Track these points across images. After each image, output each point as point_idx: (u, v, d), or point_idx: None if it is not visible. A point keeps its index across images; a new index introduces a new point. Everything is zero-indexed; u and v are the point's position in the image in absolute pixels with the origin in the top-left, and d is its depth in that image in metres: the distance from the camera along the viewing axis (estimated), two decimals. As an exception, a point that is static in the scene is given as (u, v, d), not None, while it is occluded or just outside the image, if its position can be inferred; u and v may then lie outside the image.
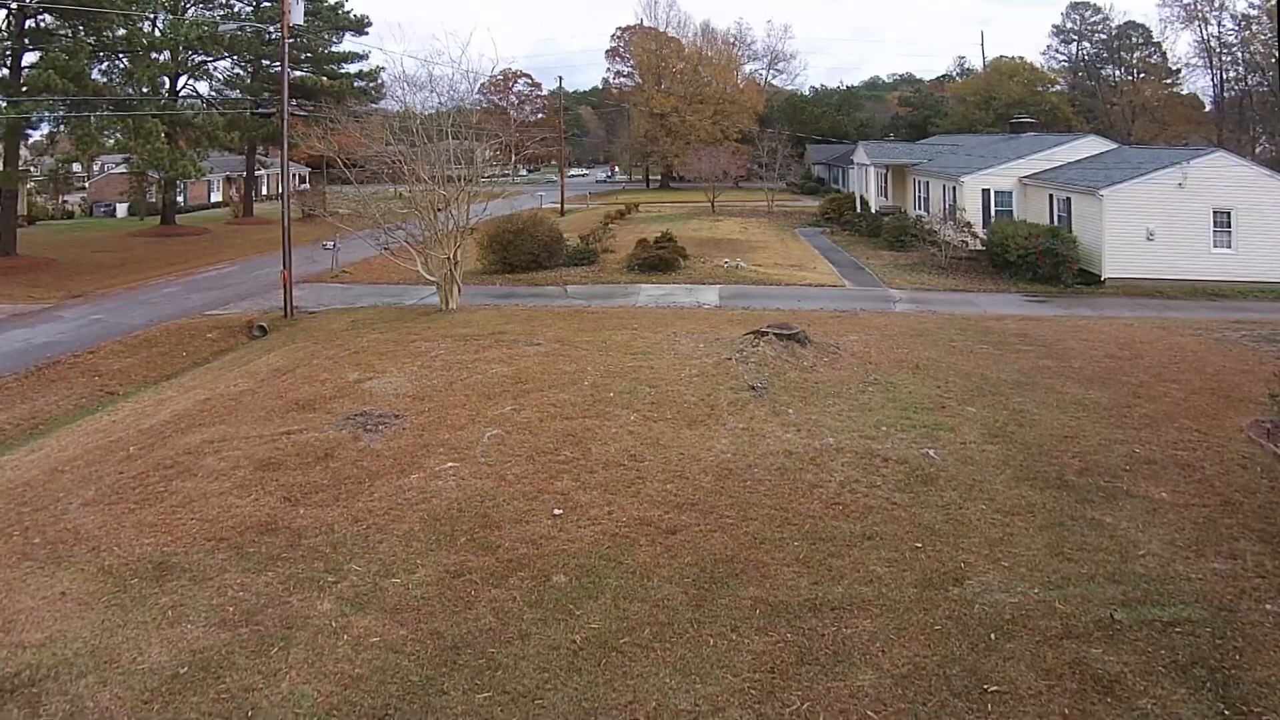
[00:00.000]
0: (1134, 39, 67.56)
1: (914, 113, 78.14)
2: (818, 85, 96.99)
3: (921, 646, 7.73)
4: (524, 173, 69.73)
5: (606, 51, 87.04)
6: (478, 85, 28.49)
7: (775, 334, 19.29)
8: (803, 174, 67.46)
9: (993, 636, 7.87)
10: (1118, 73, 69.76)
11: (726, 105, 74.26)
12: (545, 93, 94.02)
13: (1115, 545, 9.61)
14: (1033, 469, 11.98)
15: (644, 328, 22.43)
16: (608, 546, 9.79)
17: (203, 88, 51.47)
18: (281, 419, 14.97)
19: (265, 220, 57.36)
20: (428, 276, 25.99)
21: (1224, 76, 61.34)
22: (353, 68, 59.10)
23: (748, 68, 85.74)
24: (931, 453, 12.65)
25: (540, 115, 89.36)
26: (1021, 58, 72.20)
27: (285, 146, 30.52)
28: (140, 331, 26.60)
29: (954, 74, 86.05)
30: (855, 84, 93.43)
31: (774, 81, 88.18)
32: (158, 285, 35.20)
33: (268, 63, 55.38)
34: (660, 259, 30.82)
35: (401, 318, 25.13)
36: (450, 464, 12.55)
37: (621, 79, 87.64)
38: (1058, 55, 73.59)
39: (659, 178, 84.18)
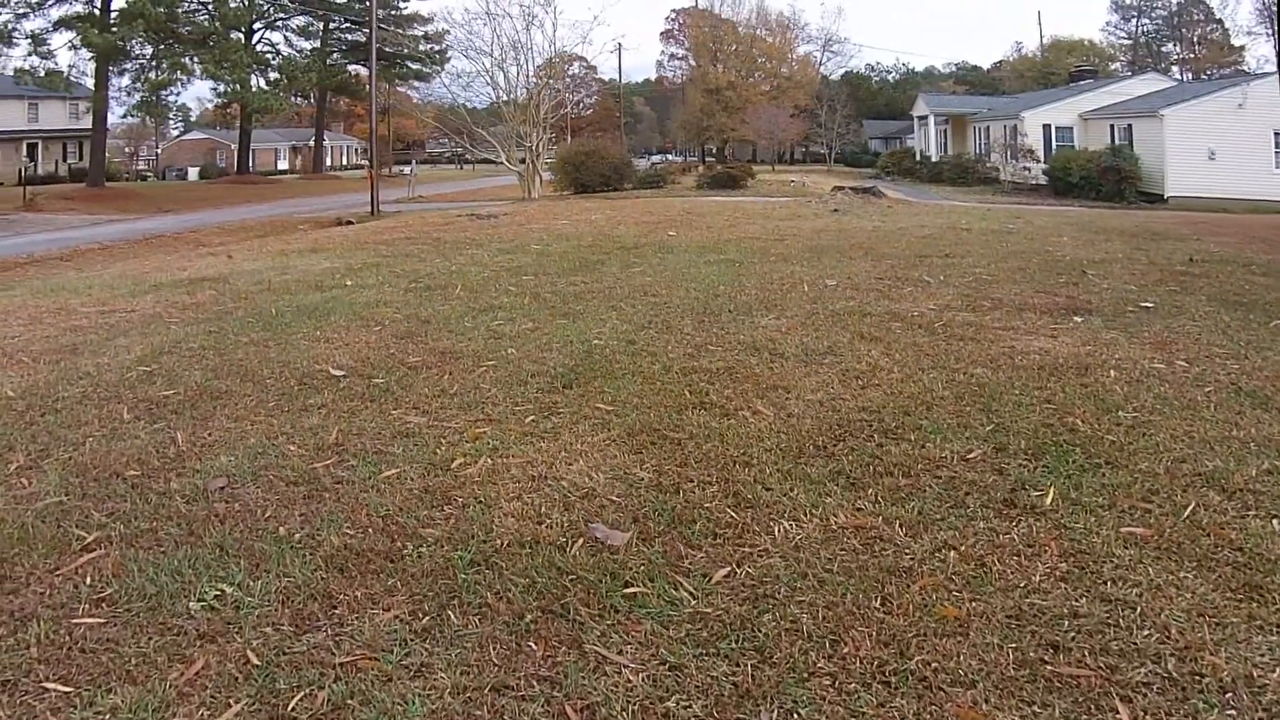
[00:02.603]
0: (1195, 15, 67.46)
1: (971, 91, 78.33)
2: (874, 63, 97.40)
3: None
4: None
5: (661, 34, 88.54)
6: (533, 68, 29.76)
7: (851, 188, 20.24)
8: (860, 146, 68.05)
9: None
10: (1178, 49, 69.64)
11: (783, 82, 75.19)
12: (601, 75, 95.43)
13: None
14: (1093, 226, 12.87)
15: (726, 207, 23.52)
16: (723, 242, 10.91)
17: (276, 38, 53.60)
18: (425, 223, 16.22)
19: (334, 176, 59.42)
20: (510, 166, 27.26)
21: (1287, 43, 60.91)
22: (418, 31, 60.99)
23: (801, 49, 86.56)
24: (1010, 225, 13.54)
25: (596, 98, 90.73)
26: (1082, 39, 72.30)
27: (373, 63, 31.96)
28: (236, 222, 28.19)
29: (1010, 58, 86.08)
30: (914, 68, 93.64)
31: (829, 64, 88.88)
32: (241, 208, 36.98)
33: (335, 25, 57.50)
34: (729, 176, 31.90)
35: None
36: (564, 221, 13.70)
37: (676, 61, 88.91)
38: (1117, 32, 73.58)
39: (714, 154, 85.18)
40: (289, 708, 2.15)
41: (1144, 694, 2.14)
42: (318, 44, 56.36)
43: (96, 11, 39.72)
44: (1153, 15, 70.81)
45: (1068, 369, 5.05)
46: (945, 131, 45.48)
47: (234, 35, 43.73)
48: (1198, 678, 2.20)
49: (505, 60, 30.16)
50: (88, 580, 2.83)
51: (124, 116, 47.71)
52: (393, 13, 60.43)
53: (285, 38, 55.41)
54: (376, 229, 17.20)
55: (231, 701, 2.18)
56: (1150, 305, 7.08)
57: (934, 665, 2.24)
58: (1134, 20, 72.28)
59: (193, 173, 71.33)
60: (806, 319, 6.48)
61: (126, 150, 75.33)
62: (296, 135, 76.12)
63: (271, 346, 6.02)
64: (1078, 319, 6.57)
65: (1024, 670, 2.23)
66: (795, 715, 2.08)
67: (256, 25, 50.59)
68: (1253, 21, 64.33)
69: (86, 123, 44.49)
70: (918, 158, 46.36)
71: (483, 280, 8.75)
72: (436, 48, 60.97)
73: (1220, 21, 66.55)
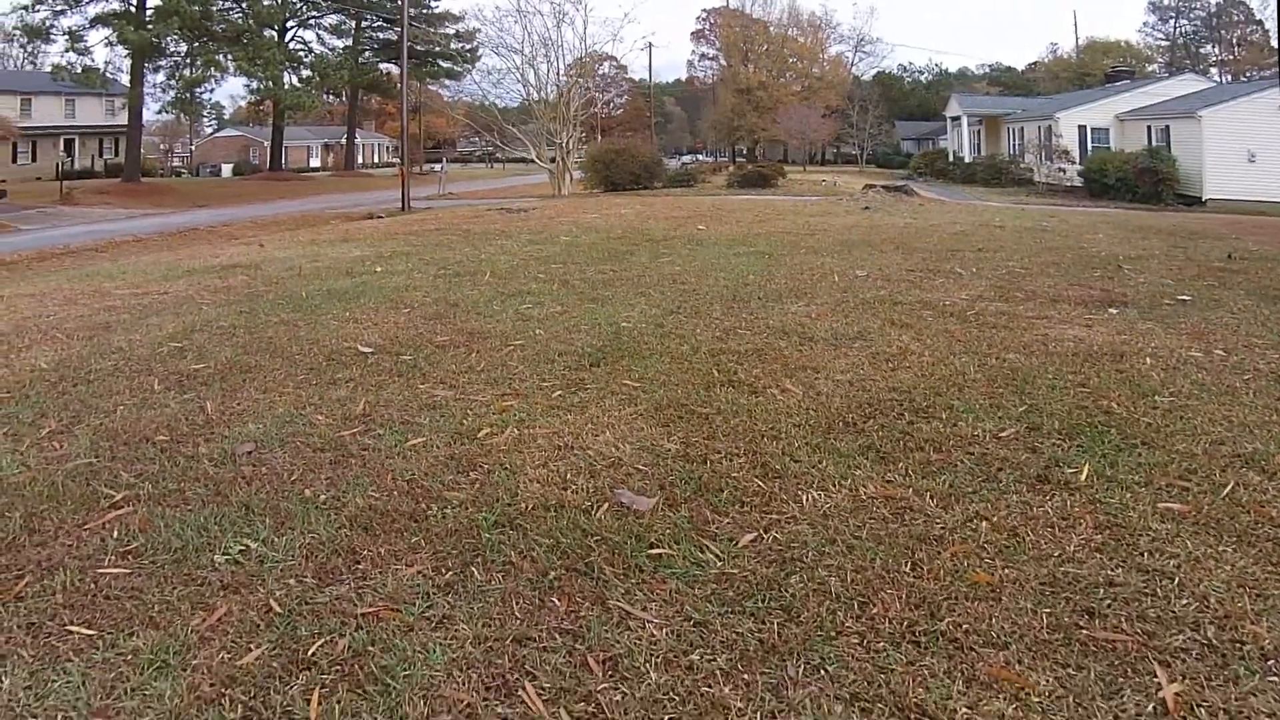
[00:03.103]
0: (1235, 16, 66.33)
1: (1004, 92, 77.50)
2: (906, 63, 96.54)
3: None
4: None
5: (692, 33, 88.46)
6: (563, 65, 29.76)
7: (883, 186, 20.08)
8: (893, 147, 67.53)
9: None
10: (1217, 50, 68.49)
11: (814, 82, 74.84)
12: (631, 75, 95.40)
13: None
14: (1129, 225, 12.66)
15: (756, 204, 23.44)
16: (753, 236, 10.84)
17: (309, 36, 54.19)
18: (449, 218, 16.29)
19: (365, 174, 59.93)
20: (541, 163, 27.34)
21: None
22: (449, 30, 61.37)
23: (833, 49, 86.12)
24: (1045, 223, 13.36)
25: (626, 98, 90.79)
26: (1119, 40, 71.31)
27: (405, 61, 32.19)
28: (268, 216, 28.51)
29: (1045, 59, 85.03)
30: (946, 69, 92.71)
31: (860, 65, 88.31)
32: (274, 204, 37.41)
33: (367, 23, 57.99)
34: (760, 175, 31.78)
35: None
36: (593, 215, 13.70)
37: (707, 61, 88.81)
38: (1154, 33, 72.49)
39: (744, 154, 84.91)
40: (309, 653, 2.14)
41: (1182, 659, 2.08)
42: (350, 42, 56.91)
43: (132, 9, 40.35)
44: (1191, 16, 69.74)
45: (1103, 355, 4.95)
46: (979, 132, 45.04)
47: (267, 33, 44.26)
48: (1238, 645, 2.14)
49: (535, 57, 30.31)
50: (115, 534, 2.85)
51: (159, 113, 48.39)
52: (424, 11, 60.88)
53: (318, 36, 56.04)
54: (406, 221, 17.35)
55: (252, 646, 2.18)
56: (1187, 298, 6.94)
57: (965, 627, 2.19)
58: (1172, 21, 71.22)
59: (226, 170, 72.27)
60: (836, 306, 6.42)
61: (161, 147, 76.49)
62: (329, 133, 76.86)
63: (301, 326, 6.06)
64: (1113, 310, 6.45)
65: (1058, 634, 2.18)
66: (822, 671, 2.04)
67: (290, 23, 51.16)
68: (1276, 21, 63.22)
69: (122, 119, 45.20)
70: (950, 158, 45.92)
71: (511, 268, 8.76)
72: (467, 46, 61.35)
73: (1260, 23, 65.38)
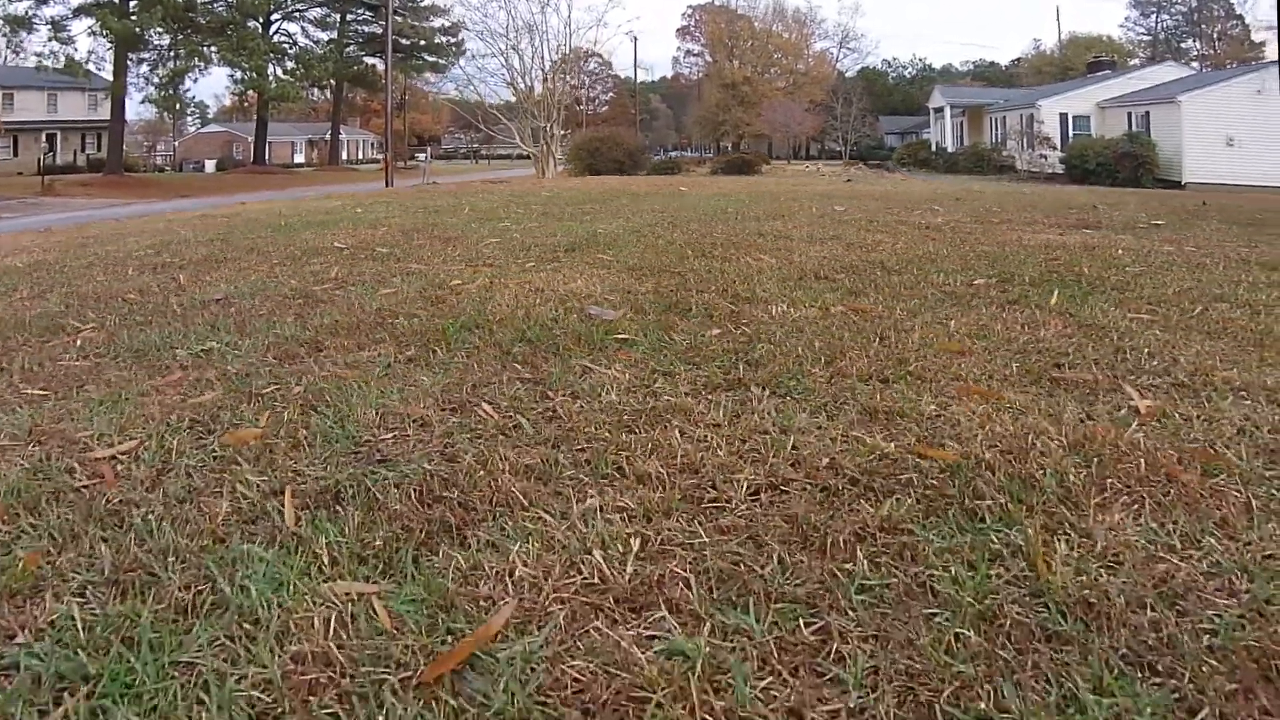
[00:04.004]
0: (1215, 11, 66.88)
1: (987, 86, 77.78)
2: (890, 58, 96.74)
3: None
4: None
5: (677, 30, 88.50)
6: (548, 50, 29.64)
7: (865, 165, 20.10)
8: (876, 141, 67.69)
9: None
10: (1198, 45, 69.03)
11: (799, 77, 75.03)
12: (616, 72, 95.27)
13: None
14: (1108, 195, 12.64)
15: (739, 182, 23.48)
16: (735, 193, 10.78)
17: (293, 28, 53.94)
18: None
19: (349, 168, 59.68)
20: (526, 147, 27.26)
21: (1309, 39, 60.15)
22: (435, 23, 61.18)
23: (818, 45, 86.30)
24: (1025, 189, 13.41)
25: (611, 94, 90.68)
26: (1101, 35, 71.71)
27: (389, 46, 32.06)
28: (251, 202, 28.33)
29: (1028, 55, 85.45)
30: (930, 64, 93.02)
31: (845, 60, 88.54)
32: (258, 193, 37.15)
33: (353, 17, 57.78)
34: (744, 161, 31.86)
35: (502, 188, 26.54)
36: (576, 184, 13.65)
37: (692, 58, 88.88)
38: (1136, 28, 72.88)
39: (729, 150, 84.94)
40: (263, 393, 2.11)
41: (1154, 391, 2.07)
42: (334, 35, 56.64)
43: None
44: (1172, 11, 70.23)
45: (1076, 248, 4.97)
46: (961, 124, 45.22)
47: (251, 24, 43.99)
48: (1208, 383, 2.13)
49: (519, 42, 30.22)
50: (78, 343, 2.80)
51: (142, 103, 47.96)
52: (409, 3, 60.64)
53: (302, 28, 55.72)
54: (390, 192, 17.25)
55: (206, 392, 2.15)
56: (1161, 223, 6.99)
57: (934, 370, 2.18)
58: (1153, 16, 71.68)
59: (210, 166, 71.70)
60: (813, 223, 6.42)
61: (144, 146, 75.92)
62: (313, 129, 76.45)
63: (278, 239, 6.01)
64: (1088, 231, 6.48)
65: (1029, 376, 2.17)
66: (788, 395, 2.03)
67: (274, 16, 50.88)
68: (1273, 17, 63.75)
69: (105, 114, 44.81)
70: (934, 149, 46.03)
71: (491, 207, 8.72)
72: (452, 40, 61.13)
73: (1241, 17, 65.99)
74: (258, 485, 1.57)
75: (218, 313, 3.26)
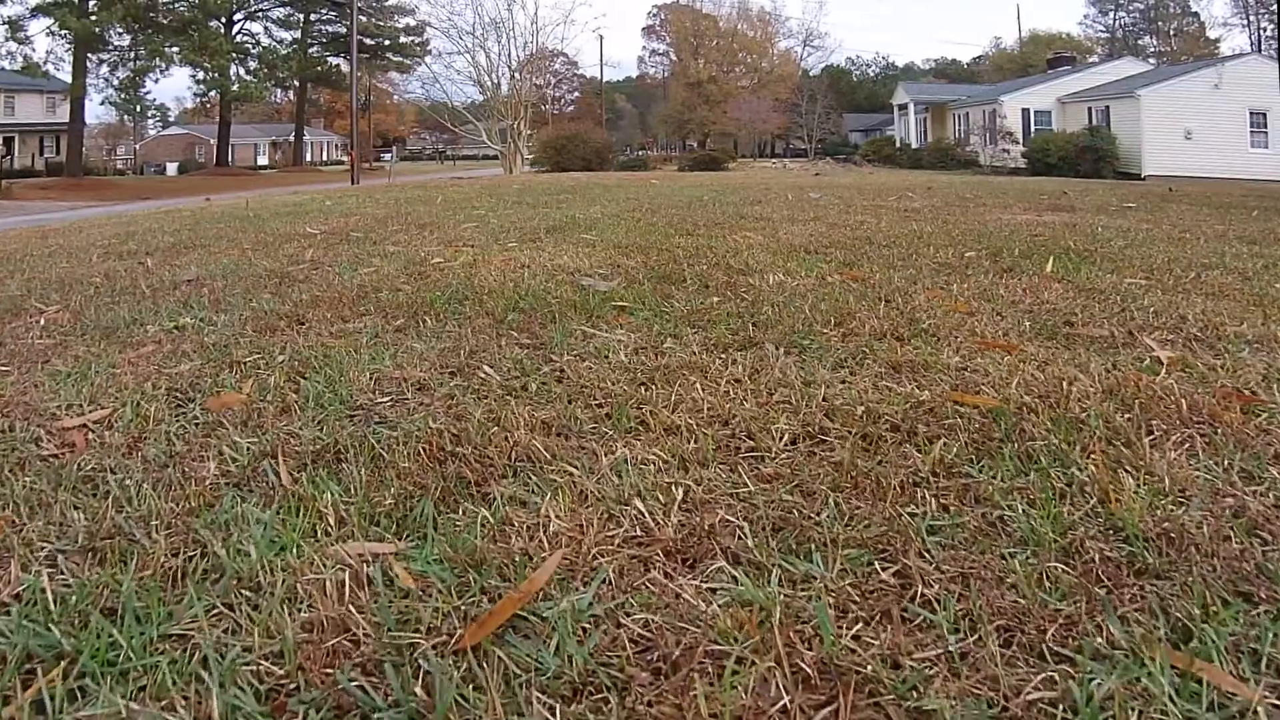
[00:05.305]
0: (1172, 8, 68.08)
1: (950, 84, 78.55)
2: (854, 56, 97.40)
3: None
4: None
5: (643, 29, 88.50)
6: (515, 48, 29.42)
7: (831, 156, 20.18)
8: (841, 138, 68.08)
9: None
10: (1155, 42, 70.20)
11: (764, 76, 75.30)
12: (582, 71, 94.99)
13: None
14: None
15: (707, 177, 23.48)
16: (706, 185, 10.70)
17: (256, 28, 53.17)
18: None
19: (314, 169, 58.98)
20: (492, 145, 27.07)
21: (1261, 35, 61.35)
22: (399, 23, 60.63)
23: (782, 44, 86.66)
24: (993, 180, 13.49)
25: (577, 94, 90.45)
26: (1061, 33, 72.65)
27: (354, 44, 31.69)
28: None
29: (990, 53, 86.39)
30: (894, 62, 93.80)
31: (809, 59, 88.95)
32: (221, 195, 36.60)
33: (316, 17, 57.09)
34: (711, 158, 31.86)
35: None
36: (546, 179, 13.51)
37: (658, 57, 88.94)
38: (1095, 25, 73.92)
39: (695, 148, 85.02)
40: (244, 361, 1.99)
41: (1172, 343, 2.02)
42: (298, 35, 55.91)
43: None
44: (1129, 8, 71.37)
45: (1057, 225, 4.97)
46: (925, 120, 45.57)
47: (214, 24, 43.26)
48: (1221, 336, 2.08)
49: (486, 40, 30.03)
50: (41, 323, 2.65)
51: (102, 104, 46.98)
52: (374, 2, 60.03)
53: (266, 28, 54.95)
54: (358, 188, 16.98)
55: (183, 362, 2.02)
56: (1133, 205, 7.04)
57: (948, 329, 2.11)
58: (1111, 13, 72.82)
59: (171, 168, 70.50)
60: (791, 207, 6.36)
61: (104, 149, 74.49)
62: (276, 130, 75.47)
63: (248, 227, 5.84)
64: (1063, 213, 6.49)
65: (1043, 332, 2.11)
66: (803, 352, 1.94)
67: (237, 15, 50.12)
68: (1228, 13, 65.22)
69: (63, 116, 43.81)
70: (898, 145, 46.36)
71: (464, 197, 8.59)
72: (418, 40, 60.60)
73: (1196, 14, 67.23)
74: (247, 448, 1.46)
75: (190, 292, 3.12)
